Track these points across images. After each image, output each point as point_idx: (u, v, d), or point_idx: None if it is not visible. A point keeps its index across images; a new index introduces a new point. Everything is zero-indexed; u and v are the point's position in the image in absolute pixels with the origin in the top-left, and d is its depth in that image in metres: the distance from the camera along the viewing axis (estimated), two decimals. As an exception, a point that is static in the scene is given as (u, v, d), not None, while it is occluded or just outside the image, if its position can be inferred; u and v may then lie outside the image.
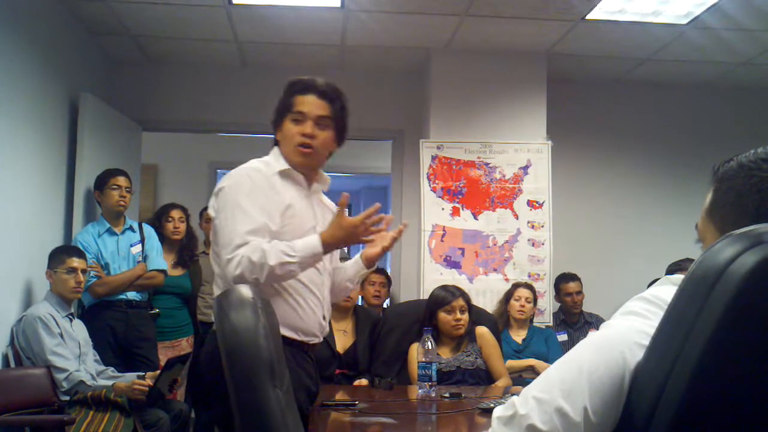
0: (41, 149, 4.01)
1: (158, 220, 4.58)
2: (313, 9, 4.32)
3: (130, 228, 4.16)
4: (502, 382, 3.48)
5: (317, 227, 2.24)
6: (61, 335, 3.43)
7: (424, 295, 4.33)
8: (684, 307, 0.91)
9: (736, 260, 0.86)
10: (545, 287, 4.82)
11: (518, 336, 4.32)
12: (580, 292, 4.90)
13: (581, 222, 5.44)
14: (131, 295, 4.03)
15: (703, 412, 0.89)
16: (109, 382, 3.43)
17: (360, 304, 4.37)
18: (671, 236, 5.00)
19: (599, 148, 5.60)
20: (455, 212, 4.84)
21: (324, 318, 2.33)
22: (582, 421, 0.96)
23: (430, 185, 4.86)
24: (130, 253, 4.08)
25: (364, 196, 9.02)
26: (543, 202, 4.88)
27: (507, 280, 4.73)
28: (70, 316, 3.59)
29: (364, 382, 3.54)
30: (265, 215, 2.14)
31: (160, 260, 4.18)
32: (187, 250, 4.63)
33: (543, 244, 4.84)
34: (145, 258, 4.11)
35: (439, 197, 4.85)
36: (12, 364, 3.44)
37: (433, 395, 2.88)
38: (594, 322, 4.88)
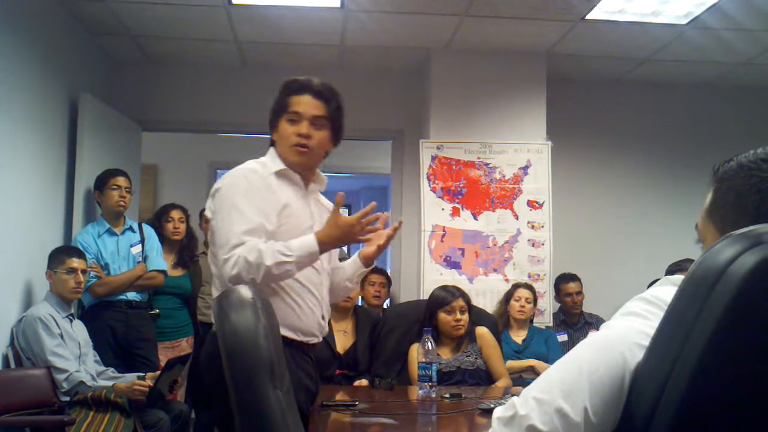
0: (41, 149, 4.01)
1: (158, 220, 4.58)
2: (312, 9, 4.32)
3: (130, 228, 4.16)
4: (503, 382, 3.48)
5: (315, 227, 2.24)
6: (62, 336, 3.43)
7: (424, 295, 4.33)
8: (684, 308, 0.91)
9: (736, 261, 0.86)
10: (545, 287, 4.82)
11: (518, 336, 4.32)
12: (580, 293, 4.90)
13: (581, 222, 5.44)
14: (131, 295, 4.03)
15: (703, 412, 0.89)
16: (110, 383, 3.43)
17: (360, 304, 4.37)
18: (671, 236, 5.00)
19: (599, 148, 5.60)
20: (455, 212, 4.84)
21: (323, 318, 2.33)
22: (582, 421, 0.96)
23: (430, 185, 4.86)
24: (130, 253, 4.08)
25: (364, 197, 9.02)
26: (543, 203, 4.88)
27: (507, 280, 4.73)
28: (70, 317, 3.59)
29: (364, 382, 3.54)
30: (262, 215, 2.15)
31: (160, 261, 4.18)
32: (187, 251, 4.63)
33: (543, 244, 4.84)
34: (145, 258, 4.11)
35: (439, 197, 4.85)
36: (12, 364, 3.44)
37: (434, 396, 2.88)
38: (594, 322, 4.88)
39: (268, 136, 2.41)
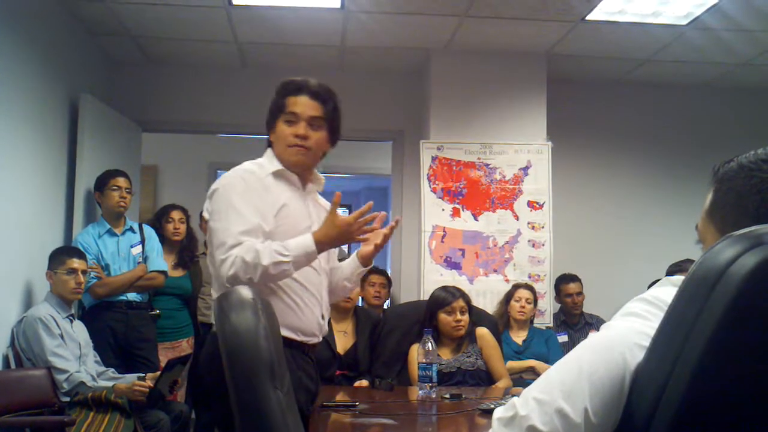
0: (41, 150, 4.01)
1: (158, 221, 4.58)
2: (313, 10, 4.32)
3: (131, 229, 4.17)
4: (503, 383, 3.48)
5: (313, 227, 2.24)
6: (62, 336, 3.43)
7: (425, 296, 4.33)
8: (684, 308, 0.91)
9: (737, 261, 0.86)
10: (545, 288, 4.82)
11: (518, 337, 4.32)
12: (580, 293, 4.90)
13: (581, 223, 5.44)
14: (131, 296, 4.03)
15: (703, 413, 0.89)
16: (110, 383, 3.43)
17: (360, 305, 4.37)
18: (671, 237, 5.00)
19: (599, 148, 5.60)
20: (455, 213, 4.84)
21: (323, 317, 2.34)
22: (582, 422, 0.96)
23: (430, 186, 4.86)
24: (131, 254, 4.08)
25: (364, 197, 9.03)
26: (543, 203, 4.88)
27: (507, 281, 4.73)
28: (71, 317, 3.59)
29: (364, 383, 3.54)
30: (259, 216, 2.15)
31: (161, 261, 4.18)
32: (188, 251, 4.63)
33: (543, 245, 4.84)
34: (145, 259, 4.11)
35: (440, 198, 4.85)
36: (12, 365, 3.44)
37: (434, 396, 2.88)
38: (594, 323, 4.88)
39: (268, 136, 2.42)
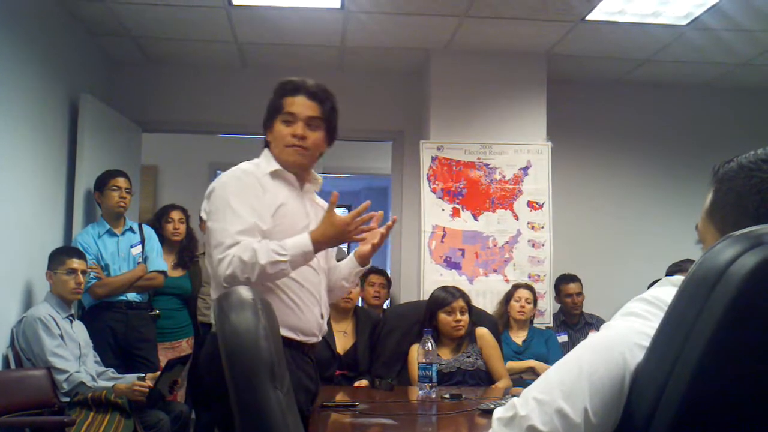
0: (41, 150, 4.01)
1: (158, 221, 4.58)
2: (313, 10, 4.32)
3: (130, 229, 4.17)
4: (503, 383, 3.48)
5: (310, 226, 2.25)
6: (62, 336, 3.43)
7: (425, 296, 4.33)
8: (684, 308, 0.91)
9: (737, 261, 0.86)
10: (545, 288, 4.82)
11: (518, 337, 4.32)
12: (580, 293, 4.90)
13: (581, 223, 5.44)
14: (131, 296, 4.03)
15: (703, 413, 0.89)
16: (110, 384, 3.43)
17: (360, 305, 4.37)
18: (671, 237, 5.00)
19: (599, 149, 5.60)
20: (455, 213, 4.84)
21: (322, 317, 2.34)
22: (582, 422, 0.95)
23: (430, 186, 4.86)
24: (130, 254, 4.08)
25: (364, 197, 8.97)
26: (543, 203, 4.88)
27: (507, 281, 4.73)
28: (71, 318, 3.59)
29: (364, 383, 3.54)
30: (256, 215, 2.15)
31: (161, 261, 4.18)
32: (187, 251, 4.63)
33: (543, 245, 4.84)
34: (145, 259, 4.11)
35: (439, 198, 4.85)
36: (12, 365, 3.44)
37: (434, 396, 2.88)
38: (594, 323, 4.88)
39: (265, 137, 2.42)
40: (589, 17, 4.31)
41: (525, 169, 4.89)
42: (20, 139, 3.73)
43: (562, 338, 4.68)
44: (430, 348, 2.95)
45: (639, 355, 0.97)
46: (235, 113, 5.27)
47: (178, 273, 4.50)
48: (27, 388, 3.23)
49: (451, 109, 4.96)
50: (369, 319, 4.00)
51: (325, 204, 2.45)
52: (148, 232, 4.26)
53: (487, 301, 4.57)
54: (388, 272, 5.04)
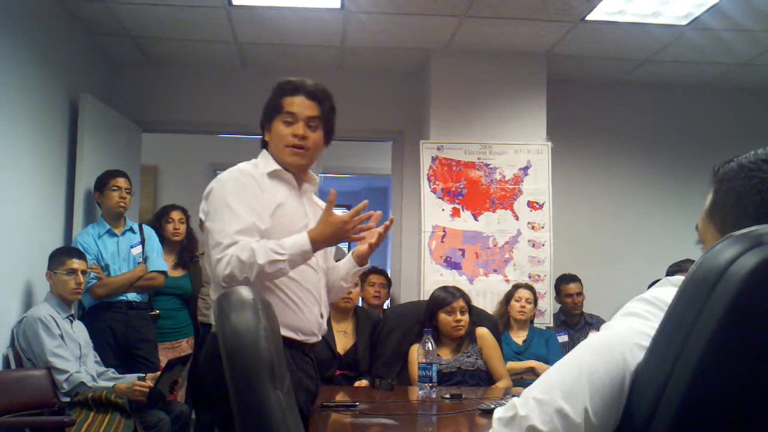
0: (41, 150, 4.01)
1: (158, 221, 4.58)
2: (313, 10, 4.32)
3: (131, 229, 4.17)
4: (503, 383, 3.48)
5: (309, 226, 2.25)
6: (62, 336, 3.43)
7: (425, 296, 4.33)
8: (684, 308, 0.91)
9: (737, 261, 0.86)
10: (545, 288, 4.82)
11: (519, 337, 4.32)
12: (580, 293, 4.90)
13: (581, 223, 5.44)
14: (131, 296, 4.03)
15: (703, 413, 0.89)
16: (110, 384, 3.43)
17: (360, 305, 4.37)
18: (671, 237, 5.00)
19: (599, 149, 5.60)
20: (455, 213, 4.84)
21: (322, 316, 2.34)
22: (582, 422, 0.96)
23: (430, 186, 4.86)
24: (131, 254, 4.08)
25: (364, 197, 8.96)
26: (543, 203, 4.88)
27: (507, 281, 4.73)
28: (71, 318, 3.59)
29: (364, 383, 3.54)
30: (254, 215, 2.15)
31: (161, 261, 4.18)
32: (188, 252, 4.63)
33: (543, 245, 4.84)
34: (145, 259, 4.11)
35: (440, 198, 4.85)
36: (12, 365, 3.44)
37: (434, 396, 2.88)
38: (594, 323, 4.88)
39: (262, 137, 2.42)
40: (589, 17, 4.31)
41: (525, 169, 4.89)
42: (20, 139, 3.73)
43: (563, 338, 4.68)
44: (431, 348, 2.95)
45: (639, 355, 0.97)
46: (235, 113, 5.26)
47: (178, 273, 4.51)
48: (27, 388, 3.23)
49: (451, 109, 4.96)
50: (369, 319, 4.00)
51: (323, 204, 2.45)
52: (148, 232, 4.26)
53: (487, 301, 4.57)
54: (389, 272, 5.04)
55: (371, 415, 2.58)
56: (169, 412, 3.59)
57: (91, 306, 3.97)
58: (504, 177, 4.88)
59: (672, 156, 5.57)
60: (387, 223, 2.40)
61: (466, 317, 3.54)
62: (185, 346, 4.45)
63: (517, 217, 4.85)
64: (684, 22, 4.36)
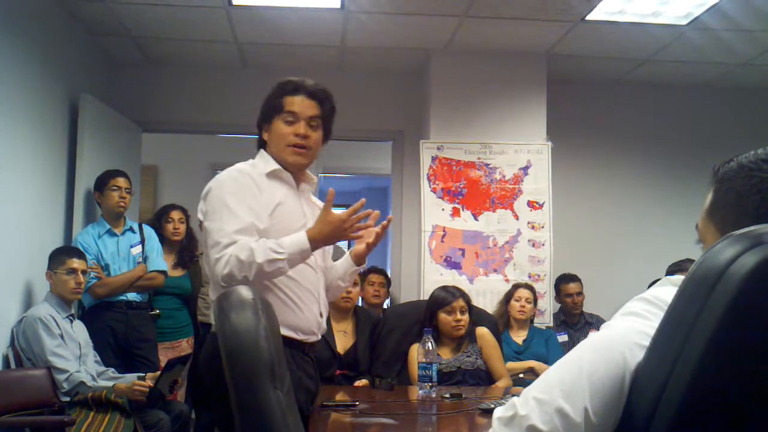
0: (41, 150, 4.01)
1: (158, 221, 4.58)
2: (313, 10, 4.32)
3: (130, 229, 4.17)
4: (503, 382, 3.48)
5: (307, 225, 2.25)
6: (62, 336, 3.43)
7: (425, 295, 4.33)
8: (684, 308, 0.91)
9: (737, 261, 0.86)
10: (545, 288, 4.82)
11: (519, 337, 4.32)
12: (580, 293, 4.90)
13: (581, 222, 5.44)
14: (131, 296, 4.03)
15: (703, 412, 0.89)
16: (110, 383, 3.43)
17: (360, 304, 4.37)
18: (671, 237, 5.00)
19: (599, 148, 5.60)
20: (455, 213, 4.84)
21: (321, 315, 2.34)
22: (582, 421, 0.96)
23: (430, 186, 4.86)
24: (131, 254, 4.08)
25: (364, 197, 8.99)
26: (543, 203, 4.88)
27: (507, 280, 4.73)
28: (71, 317, 3.59)
29: (364, 382, 3.54)
30: (252, 215, 2.15)
31: (161, 261, 4.18)
32: (187, 251, 4.63)
33: (543, 244, 4.84)
34: (145, 259, 4.11)
35: (440, 198, 4.85)
36: (12, 365, 3.44)
37: (434, 396, 2.88)
38: (594, 322, 4.88)
39: (259, 136, 2.42)
40: (589, 17, 4.31)
41: (525, 169, 4.89)
42: (20, 139, 3.73)
43: (562, 338, 4.68)
44: (430, 348, 2.96)
45: (639, 355, 0.97)
46: (235, 113, 5.25)
47: (178, 273, 4.50)
48: (27, 388, 3.23)
49: (451, 109, 4.96)
50: (369, 318, 4.00)
51: (321, 204, 2.46)
52: (148, 232, 4.26)
53: (487, 301, 4.58)
54: (388, 272, 5.04)
55: (371, 414, 2.58)
56: (169, 411, 3.59)
57: (91, 306, 3.97)
58: (504, 177, 4.88)
59: (672, 156, 5.57)
60: (384, 222, 2.40)
61: (466, 317, 3.54)
62: (185, 346, 4.45)
63: (517, 217, 4.85)
64: (684, 22, 4.36)
